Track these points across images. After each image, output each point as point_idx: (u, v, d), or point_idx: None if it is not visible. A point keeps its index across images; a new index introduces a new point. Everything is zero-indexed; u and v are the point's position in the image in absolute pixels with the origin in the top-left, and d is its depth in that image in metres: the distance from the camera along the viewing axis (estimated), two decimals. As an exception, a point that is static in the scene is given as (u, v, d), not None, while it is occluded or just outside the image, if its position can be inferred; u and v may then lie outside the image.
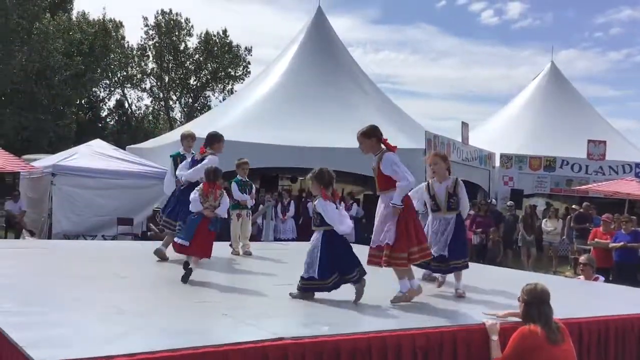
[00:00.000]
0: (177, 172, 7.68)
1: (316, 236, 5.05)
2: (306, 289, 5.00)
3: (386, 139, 5.21)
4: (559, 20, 73.84)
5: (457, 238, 5.78)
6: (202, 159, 7.42)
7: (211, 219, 5.93)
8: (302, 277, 5.01)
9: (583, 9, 76.77)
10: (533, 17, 75.10)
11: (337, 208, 5.06)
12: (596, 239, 12.08)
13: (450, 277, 5.91)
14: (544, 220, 16.82)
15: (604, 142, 22.02)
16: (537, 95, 28.17)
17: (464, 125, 19.95)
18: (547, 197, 23.14)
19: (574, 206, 18.31)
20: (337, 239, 4.99)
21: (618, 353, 4.96)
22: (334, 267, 4.93)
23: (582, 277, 8.45)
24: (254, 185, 9.11)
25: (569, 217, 17.24)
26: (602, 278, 8.59)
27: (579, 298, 6.51)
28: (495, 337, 4.23)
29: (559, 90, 28.00)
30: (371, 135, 5.17)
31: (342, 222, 5.00)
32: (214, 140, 7.78)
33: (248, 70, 45.21)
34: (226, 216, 6.44)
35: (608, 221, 12.22)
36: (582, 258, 8.91)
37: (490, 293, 6.07)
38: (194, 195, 5.96)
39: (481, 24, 75.61)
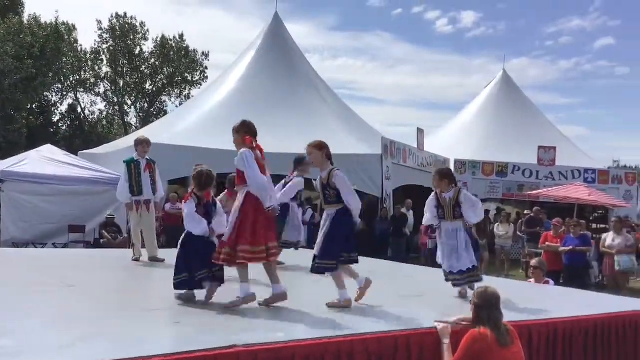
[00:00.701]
0: None
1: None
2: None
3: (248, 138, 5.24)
4: (511, 29, 75.81)
5: (327, 236, 5.15)
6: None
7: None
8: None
9: (534, 18, 79.04)
10: (486, 26, 76.89)
11: (210, 209, 5.15)
12: (547, 243, 12.39)
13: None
14: (496, 225, 17.15)
15: (554, 148, 22.61)
16: (490, 102, 28.75)
17: (420, 131, 20.22)
18: (499, 202, 23.62)
19: (525, 212, 18.73)
20: (193, 240, 5.06)
21: (565, 354, 5.09)
22: (187, 266, 4.99)
23: (532, 280, 8.65)
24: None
25: (520, 221, 17.63)
26: (552, 281, 8.81)
27: (530, 301, 6.65)
28: (446, 341, 4.29)
29: (510, 98, 28.64)
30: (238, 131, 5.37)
31: (192, 224, 5.06)
32: (297, 162, 8.30)
33: (205, 75, 44.85)
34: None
35: (558, 225, 12.55)
36: (533, 261, 9.13)
37: (443, 296, 6.15)
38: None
39: (436, 32, 77.00)
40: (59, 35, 39.34)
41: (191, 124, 18.19)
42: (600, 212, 21.11)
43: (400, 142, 18.39)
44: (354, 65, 76.54)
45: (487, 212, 19.14)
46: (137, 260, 8.02)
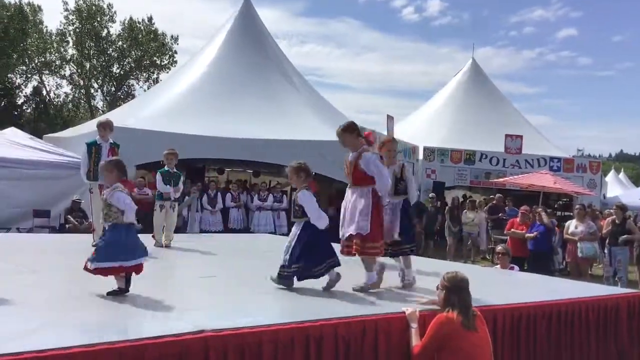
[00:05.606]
0: None
1: (296, 227, 5.27)
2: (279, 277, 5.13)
3: (367, 135, 5.47)
4: (476, 19, 76.68)
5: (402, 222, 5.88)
6: None
7: None
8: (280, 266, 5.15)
9: (498, 8, 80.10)
10: (452, 15, 77.69)
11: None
12: (512, 229, 12.58)
13: None
14: (464, 212, 17.38)
15: (521, 136, 22.94)
16: (459, 90, 29.02)
17: (389, 118, 20.26)
18: (467, 189, 23.92)
19: (490, 196, 19.02)
20: (314, 231, 5.15)
21: (529, 339, 5.19)
22: (301, 257, 5.07)
23: (498, 266, 8.81)
24: (182, 176, 8.92)
25: (484, 208, 17.92)
26: (517, 267, 8.99)
27: (494, 286, 6.75)
28: (414, 325, 4.33)
29: (479, 87, 28.93)
30: (353, 131, 5.40)
31: (321, 219, 5.20)
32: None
33: (174, 59, 44.25)
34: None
35: (526, 213, 12.71)
36: (499, 248, 9.28)
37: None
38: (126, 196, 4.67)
39: (403, 20, 77.46)
40: (23, 16, 38.43)
41: (159, 108, 17.93)
42: (565, 199, 21.52)
43: (370, 129, 18.42)
44: (322, 52, 76.67)
45: (459, 199, 19.41)
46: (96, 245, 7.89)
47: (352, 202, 5.29)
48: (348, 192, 5.42)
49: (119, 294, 4.51)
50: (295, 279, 5.14)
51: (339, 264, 5.19)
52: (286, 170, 5.38)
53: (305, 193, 5.18)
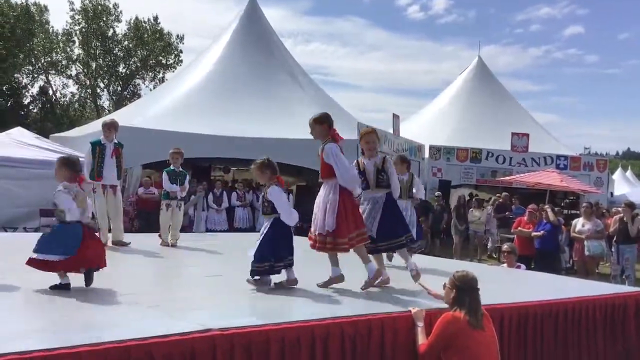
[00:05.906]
0: None
1: (265, 223, 5.20)
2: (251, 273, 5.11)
3: (334, 129, 5.34)
4: (482, 17, 76.55)
5: (397, 217, 5.74)
6: None
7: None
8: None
9: (504, 6, 79.94)
10: (457, 14, 77.60)
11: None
12: (519, 228, 12.54)
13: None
14: (470, 210, 17.34)
15: (527, 134, 22.86)
16: (465, 89, 28.94)
17: (395, 117, 20.25)
18: (473, 187, 23.86)
19: (497, 195, 18.97)
20: (283, 227, 5.12)
21: (536, 338, 5.17)
22: (270, 253, 5.04)
23: (505, 264, 8.79)
24: (187, 175, 8.94)
25: (490, 206, 17.88)
26: (523, 266, 8.97)
27: (501, 284, 6.73)
28: (420, 324, 4.32)
29: (485, 85, 28.84)
30: (323, 122, 5.33)
31: (290, 216, 5.14)
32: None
33: (180, 59, 44.37)
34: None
35: (533, 212, 12.67)
36: (506, 246, 9.25)
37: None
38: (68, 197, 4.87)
39: (408, 18, 77.43)
40: (29, 16, 38.57)
41: (165, 108, 17.96)
42: (572, 198, 21.44)
43: (376, 128, 18.41)
44: (327, 50, 76.68)
45: (465, 197, 19.37)
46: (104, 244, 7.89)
47: (323, 197, 5.20)
48: (321, 187, 5.33)
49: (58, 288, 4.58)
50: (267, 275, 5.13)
51: (292, 264, 5.15)
52: (251, 167, 5.33)
53: (275, 189, 5.14)
